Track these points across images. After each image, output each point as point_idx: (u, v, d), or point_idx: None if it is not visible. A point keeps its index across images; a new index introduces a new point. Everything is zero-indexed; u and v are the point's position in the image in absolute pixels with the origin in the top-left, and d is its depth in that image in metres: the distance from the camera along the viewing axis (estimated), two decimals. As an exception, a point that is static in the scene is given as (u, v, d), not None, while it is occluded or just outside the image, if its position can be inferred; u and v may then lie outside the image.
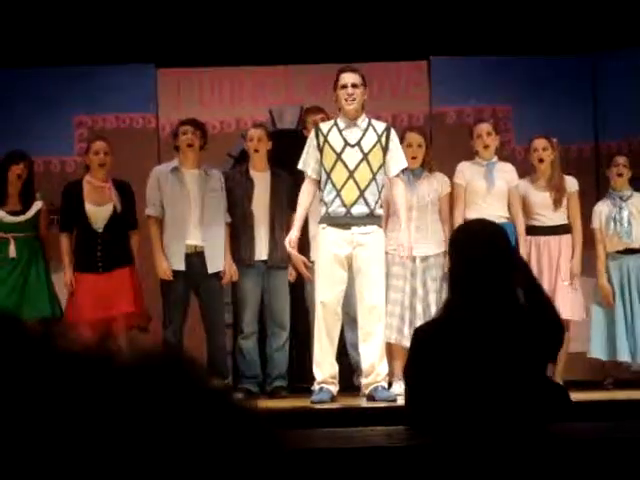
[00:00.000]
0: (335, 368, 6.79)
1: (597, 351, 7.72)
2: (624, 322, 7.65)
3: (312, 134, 6.86)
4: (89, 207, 7.39)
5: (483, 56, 8.63)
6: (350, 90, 6.73)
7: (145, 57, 8.54)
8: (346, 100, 6.75)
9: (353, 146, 6.73)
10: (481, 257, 3.46)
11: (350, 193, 6.69)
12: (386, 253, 6.97)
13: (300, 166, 6.88)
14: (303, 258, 7.15)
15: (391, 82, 8.77)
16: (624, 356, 7.62)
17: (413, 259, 7.29)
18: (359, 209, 6.69)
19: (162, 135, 8.61)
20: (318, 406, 6.55)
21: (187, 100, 8.70)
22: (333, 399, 6.73)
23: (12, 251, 7.50)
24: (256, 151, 7.61)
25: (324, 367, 6.74)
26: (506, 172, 7.59)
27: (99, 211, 7.40)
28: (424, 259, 7.31)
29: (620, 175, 7.76)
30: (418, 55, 8.69)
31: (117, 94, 8.58)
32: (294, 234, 6.77)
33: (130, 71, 8.56)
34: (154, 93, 8.71)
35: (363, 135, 6.76)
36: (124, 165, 7.72)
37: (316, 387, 6.77)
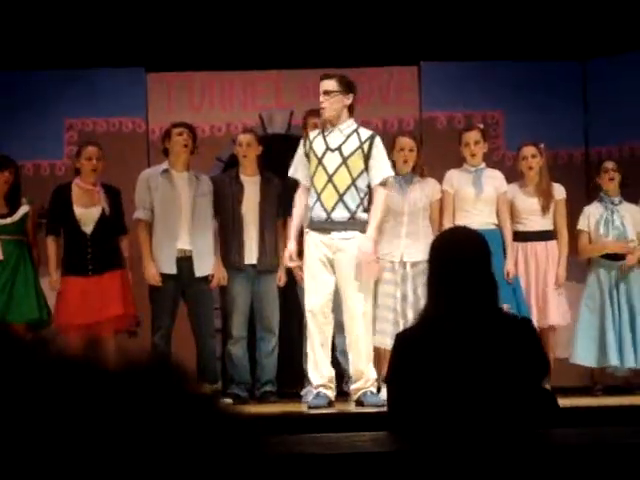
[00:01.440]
0: (331, 372, 6.77)
1: (583, 357, 7.71)
2: (612, 326, 7.66)
3: (301, 142, 6.86)
4: (78, 209, 7.38)
5: (474, 61, 8.64)
6: (320, 98, 6.69)
7: (135, 61, 8.53)
8: (320, 108, 6.75)
9: (333, 151, 6.69)
10: (461, 263, 3.47)
11: (329, 198, 6.65)
12: (377, 258, 6.96)
13: (291, 173, 6.87)
14: (299, 263, 7.15)
15: (381, 87, 8.78)
16: (613, 360, 7.62)
17: (404, 265, 7.29)
18: (339, 214, 6.65)
19: (152, 139, 8.61)
20: (314, 411, 6.53)
21: (177, 104, 8.70)
22: (330, 404, 6.70)
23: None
24: (244, 156, 7.60)
25: (321, 371, 6.71)
26: (494, 179, 7.60)
27: (88, 213, 7.38)
28: (414, 265, 7.29)
29: (612, 179, 7.78)
30: (408, 60, 8.70)
31: (107, 98, 8.57)
32: (292, 246, 6.76)
33: (120, 75, 8.56)
34: (144, 97, 8.71)
35: (345, 140, 6.72)
36: (113, 169, 7.71)
37: (313, 392, 6.75)
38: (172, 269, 7.37)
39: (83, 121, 8.68)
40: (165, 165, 7.52)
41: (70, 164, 8.22)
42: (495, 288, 3.54)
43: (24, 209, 7.61)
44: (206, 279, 7.46)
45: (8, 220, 7.55)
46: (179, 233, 7.40)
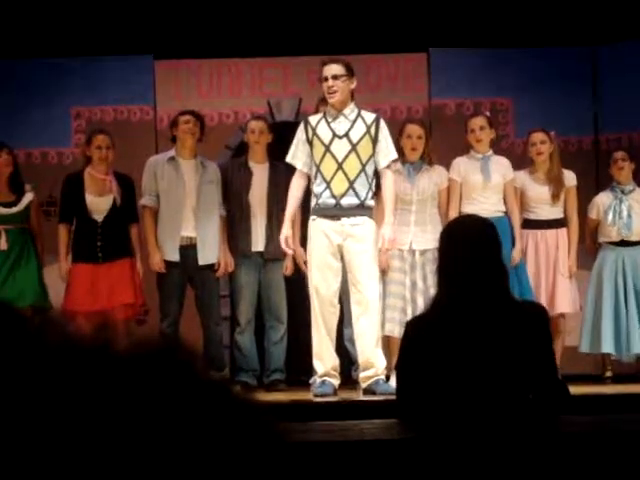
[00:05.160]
0: (336, 360, 6.76)
1: (582, 344, 7.71)
2: (612, 314, 7.63)
3: (301, 127, 6.83)
4: (89, 198, 7.37)
5: (483, 48, 8.61)
6: (330, 82, 6.66)
7: (143, 48, 8.52)
8: (328, 93, 6.71)
9: (341, 137, 6.70)
10: (471, 252, 3.47)
11: (340, 184, 6.66)
12: (381, 236, 6.93)
13: (289, 159, 6.86)
14: (296, 249, 7.15)
15: (390, 74, 8.75)
16: (607, 348, 7.61)
17: (412, 253, 7.27)
18: (349, 200, 6.65)
19: (160, 127, 8.59)
20: (319, 399, 6.53)
21: (185, 92, 8.69)
22: (335, 392, 6.70)
23: (3, 243, 7.47)
24: (257, 142, 7.58)
25: (325, 359, 6.71)
26: (502, 165, 7.57)
27: (99, 202, 7.38)
28: (423, 252, 7.28)
29: (621, 169, 7.75)
30: (417, 47, 8.67)
31: (115, 85, 8.56)
32: (287, 232, 6.74)
33: (128, 62, 8.54)
34: (152, 85, 8.69)
35: (352, 126, 6.72)
36: (121, 157, 7.70)
37: (318, 380, 6.74)
38: (175, 256, 7.37)
39: (91, 109, 8.67)
40: (172, 152, 7.52)
41: (78, 152, 8.22)
42: (505, 275, 3.54)
43: (28, 197, 7.58)
44: (212, 267, 7.46)
45: (14, 209, 7.53)
46: (184, 221, 7.40)
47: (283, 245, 6.78)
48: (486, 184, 7.47)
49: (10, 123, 8.27)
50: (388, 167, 6.80)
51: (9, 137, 7.78)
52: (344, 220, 6.64)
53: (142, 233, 7.49)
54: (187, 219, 7.41)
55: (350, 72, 6.71)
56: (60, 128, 8.59)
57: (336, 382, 6.75)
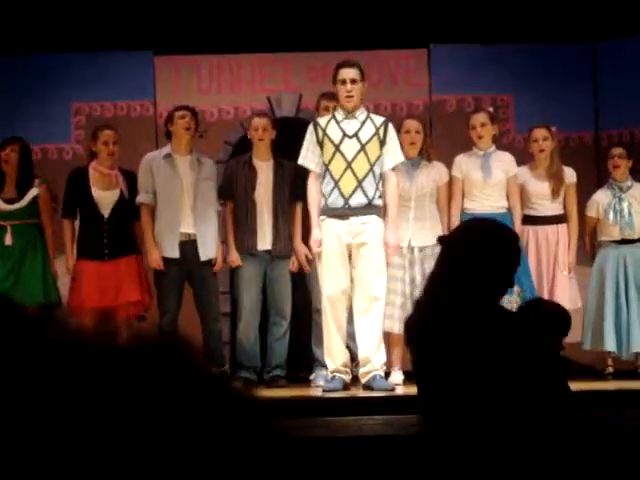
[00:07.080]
0: (347, 356, 6.87)
1: (585, 342, 7.71)
2: (613, 312, 7.63)
3: (310, 129, 6.90)
4: (96, 192, 7.37)
5: (483, 44, 8.60)
6: (349, 87, 6.77)
7: (143, 44, 8.51)
8: (345, 97, 6.77)
9: (351, 137, 6.78)
10: (474, 263, 3.44)
11: (348, 183, 6.74)
12: (385, 244, 6.97)
13: (300, 162, 6.92)
14: (305, 250, 7.22)
15: (391, 70, 8.75)
16: (609, 346, 7.60)
17: (412, 249, 7.29)
18: (357, 199, 6.73)
19: (160, 122, 8.58)
20: (329, 395, 6.59)
21: (185, 87, 8.68)
22: (346, 387, 6.79)
23: (8, 239, 7.46)
24: (261, 140, 7.57)
25: (335, 356, 6.81)
26: (504, 162, 7.56)
27: (106, 196, 7.37)
28: (422, 249, 7.29)
29: (617, 167, 7.74)
30: (418, 43, 8.66)
31: (115, 81, 8.55)
32: (318, 235, 6.80)
33: (128, 58, 8.53)
34: (152, 80, 8.69)
35: (361, 127, 6.81)
36: (122, 152, 7.68)
37: (328, 376, 6.87)
38: (175, 253, 7.36)
39: (91, 105, 8.66)
40: (168, 149, 7.51)
41: (78, 148, 8.21)
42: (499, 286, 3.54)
43: (33, 192, 7.55)
44: (210, 263, 7.45)
45: (16, 205, 7.51)
46: (182, 217, 7.39)
47: (315, 248, 6.84)
48: (486, 181, 7.47)
49: (10, 119, 8.26)
50: (393, 170, 6.87)
51: (9, 133, 7.77)
52: (353, 219, 6.74)
53: (140, 231, 7.48)
54: (185, 216, 7.41)
55: (363, 76, 6.83)
56: (60, 124, 8.58)
57: (347, 378, 6.86)
